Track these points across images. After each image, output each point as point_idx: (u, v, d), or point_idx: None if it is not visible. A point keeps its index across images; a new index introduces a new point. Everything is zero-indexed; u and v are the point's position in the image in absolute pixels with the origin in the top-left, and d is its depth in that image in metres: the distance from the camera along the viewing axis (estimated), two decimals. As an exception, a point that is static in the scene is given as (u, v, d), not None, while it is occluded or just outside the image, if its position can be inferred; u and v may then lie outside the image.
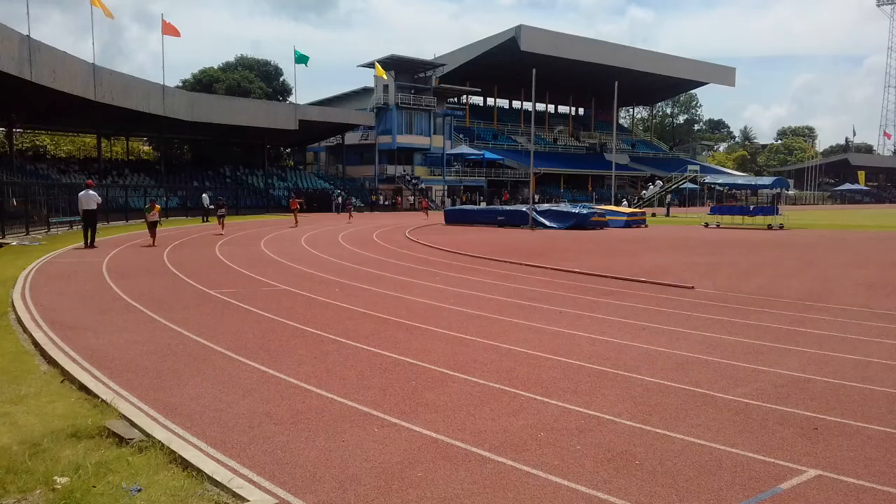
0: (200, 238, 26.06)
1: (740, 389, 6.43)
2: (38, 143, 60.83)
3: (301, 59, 53.99)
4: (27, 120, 47.70)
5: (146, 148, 70.45)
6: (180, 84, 63.49)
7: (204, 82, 63.13)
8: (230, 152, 64.77)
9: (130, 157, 61.67)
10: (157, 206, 23.63)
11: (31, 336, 8.52)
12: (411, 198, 66.36)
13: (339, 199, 55.46)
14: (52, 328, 8.90)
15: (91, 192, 21.55)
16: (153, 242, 22.19)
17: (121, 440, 4.98)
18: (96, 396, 6.00)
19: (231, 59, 70.12)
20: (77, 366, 7.01)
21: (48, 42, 35.85)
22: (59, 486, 4.21)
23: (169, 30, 45.55)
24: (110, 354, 7.57)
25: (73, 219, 31.96)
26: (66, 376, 6.73)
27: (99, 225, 23.51)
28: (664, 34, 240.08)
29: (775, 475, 4.50)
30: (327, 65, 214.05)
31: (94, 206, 21.60)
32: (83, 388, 6.32)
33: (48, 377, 6.80)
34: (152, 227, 22.78)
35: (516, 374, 6.90)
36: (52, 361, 7.32)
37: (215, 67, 67.03)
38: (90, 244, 21.04)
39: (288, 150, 76.02)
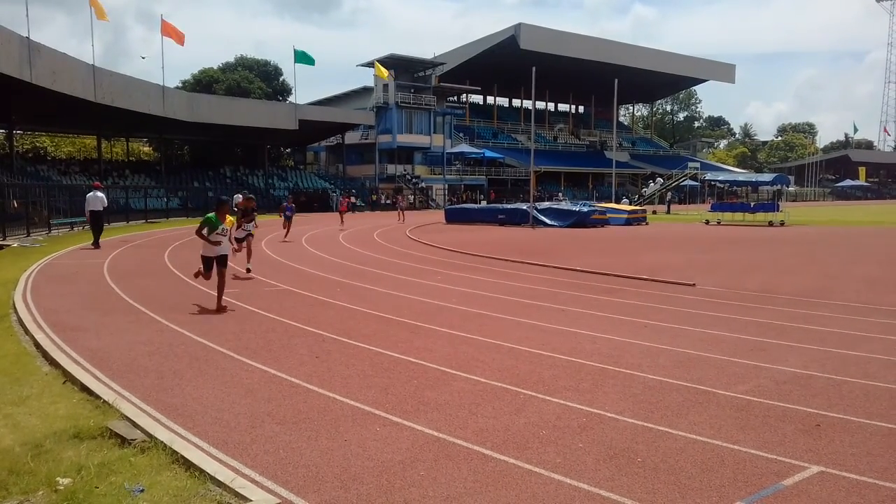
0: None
1: (742, 386, 6.43)
2: (38, 144, 60.86)
3: (303, 58, 53.87)
4: (27, 121, 47.70)
5: (146, 149, 70.44)
6: (180, 85, 63.50)
7: (203, 83, 63.13)
8: (230, 152, 64.78)
9: (131, 158, 61.64)
10: (230, 219, 11.62)
11: (32, 338, 8.53)
12: (411, 197, 66.36)
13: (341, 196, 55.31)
14: (54, 330, 8.91)
15: (99, 193, 22.02)
16: (220, 303, 10.70)
17: (123, 441, 4.99)
18: (98, 397, 6.00)
19: (231, 59, 70.22)
20: (79, 367, 7.02)
21: (52, 44, 36.04)
22: (62, 487, 4.21)
23: (172, 33, 45.53)
24: (112, 355, 7.57)
25: (74, 220, 32.03)
26: (68, 377, 6.73)
27: None
28: (667, 31, 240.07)
29: (777, 472, 4.50)
30: (329, 65, 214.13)
31: (101, 208, 21.92)
32: (85, 389, 6.32)
33: (50, 378, 6.80)
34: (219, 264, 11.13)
35: (518, 373, 6.90)
36: (53, 363, 7.33)
37: (215, 68, 67.04)
38: (96, 244, 21.24)
39: (288, 150, 76.02)
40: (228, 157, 63.64)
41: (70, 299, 11.55)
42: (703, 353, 7.74)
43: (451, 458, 4.73)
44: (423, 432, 5.23)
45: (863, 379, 6.69)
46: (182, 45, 46.30)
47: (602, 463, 4.64)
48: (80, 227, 31.70)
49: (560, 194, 71.91)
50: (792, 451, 4.87)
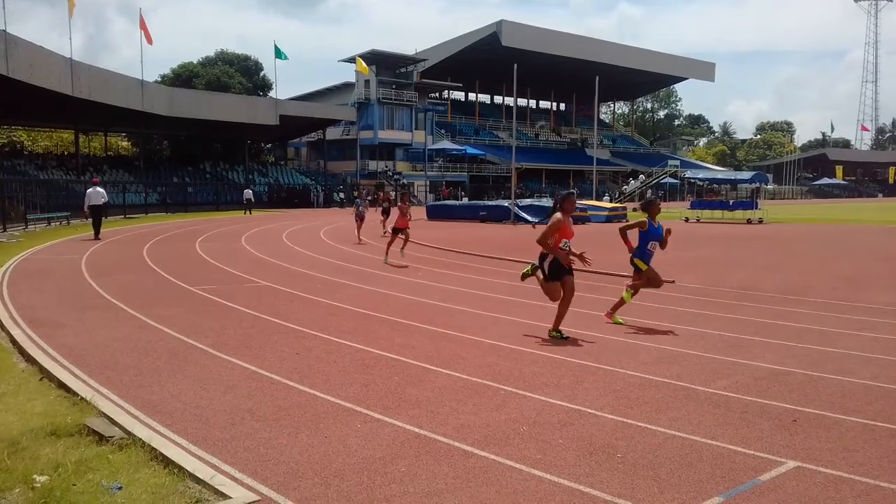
0: (183, 233, 25.88)
1: (721, 382, 6.49)
2: (14, 138, 60.12)
3: (279, 54, 53.63)
4: (3, 115, 47.09)
5: (125, 143, 69.76)
6: (159, 79, 62.91)
7: (183, 77, 62.61)
8: (210, 147, 64.31)
9: (109, 153, 61.07)
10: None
11: (8, 334, 8.42)
12: (393, 193, 66.21)
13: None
14: (31, 326, 8.80)
15: (98, 189, 23.70)
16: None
17: (101, 438, 4.94)
18: (76, 394, 5.94)
19: (211, 53, 69.69)
20: (56, 364, 6.94)
21: (34, 37, 35.72)
22: (39, 485, 4.17)
23: (144, 30, 45.32)
24: (90, 352, 7.50)
25: (52, 215, 31.71)
26: (45, 374, 6.66)
27: (77, 222, 23.85)
28: (652, 30, 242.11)
29: (755, 467, 4.54)
30: (313, 60, 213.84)
31: (101, 202, 23.54)
32: (62, 385, 6.25)
33: (27, 375, 6.73)
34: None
35: (499, 369, 6.91)
36: (30, 359, 7.24)
37: (195, 62, 66.49)
38: (96, 236, 22.86)
39: (269, 146, 75.62)
40: (208, 153, 63.19)
41: (47, 295, 11.43)
42: (683, 350, 7.79)
43: (432, 454, 4.74)
44: (403, 429, 5.23)
45: (839, 375, 6.76)
46: (150, 43, 46.18)
47: (582, 459, 4.67)
48: (58, 223, 31.39)
49: (575, 191, 70.87)
50: (769, 446, 4.91)
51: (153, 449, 4.66)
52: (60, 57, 36.00)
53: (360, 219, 23.35)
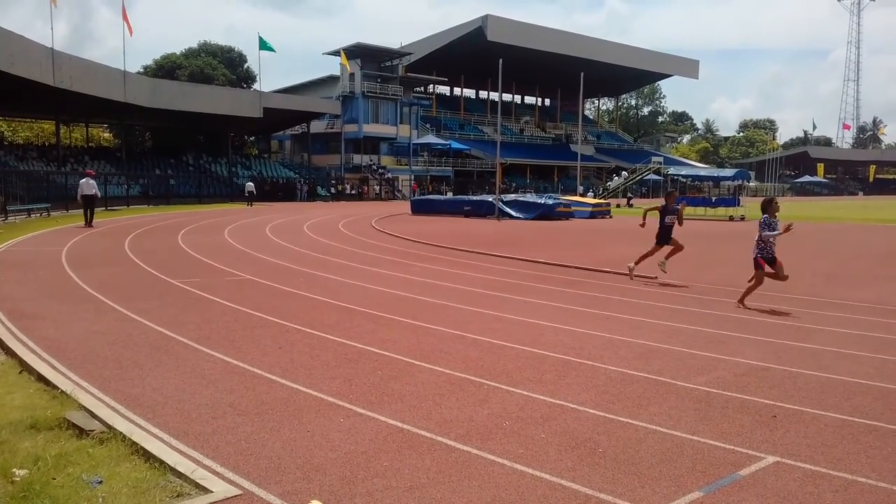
0: (165, 226, 25.71)
1: (701, 378, 6.54)
2: (-6, 128, 59.45)
3: (265, 46, 53.29)
4: (-18, 105, 46.53)
5: (106, 135, 69.09)
6: (141, 70, 62.32)
7: (166, 68, 62.05)
8: (193, 140, 63.81)
9: (90, 144, 60.45)
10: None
11: (-13, 326, 8.33)
12: (377, 187, 66.11)
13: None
14: (10, 318, 8.72)
15: (91, 180, 25.34)
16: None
17: (81, 432, 4.91)
18: (55, 387, 5.89)
19: (194, 45, 69.13)
20: (36, 356, 6.88)
21: (19, 26, 35.39)
22: (18, 479, 4.13)
23: (127, 21, 44.98)
24: (70, 345, 7.43)
25: (32, 207, 31.39)
26: (25, 367, 6.59)
27: (58, 213, 24.13)
28: (639, 26, 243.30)
29: (735, 462, 4.59)
30: (299, 53, 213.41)
31: (93, 192, 25.33)
32: (42, 378, 6.20)
33: (6, 368, 6.66)
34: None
35: (481, 364, 6.92)
36: (9, 352, 7.17)
37: (177, 53, 65.93)
38: (89, 223, 24.68)
39: (252, 139, 75.18)
40: (191, 145, 62.71)
41: (27, 287, 11.32)
42: (664, 345, 7.84)
43: (415, 448, 4.74)
44: (386, 423, 5.23)
45: (817, 371, 6.83)
46: (131, 34, 45.95)
47: (564, 453, 4.69)
48: (39, 215, 31.07)
49: (581, 189, 67.43)
50: (749, 441, 4.96)
51: (134, 443, 4.63)
52: (42, 46, 35.54)
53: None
